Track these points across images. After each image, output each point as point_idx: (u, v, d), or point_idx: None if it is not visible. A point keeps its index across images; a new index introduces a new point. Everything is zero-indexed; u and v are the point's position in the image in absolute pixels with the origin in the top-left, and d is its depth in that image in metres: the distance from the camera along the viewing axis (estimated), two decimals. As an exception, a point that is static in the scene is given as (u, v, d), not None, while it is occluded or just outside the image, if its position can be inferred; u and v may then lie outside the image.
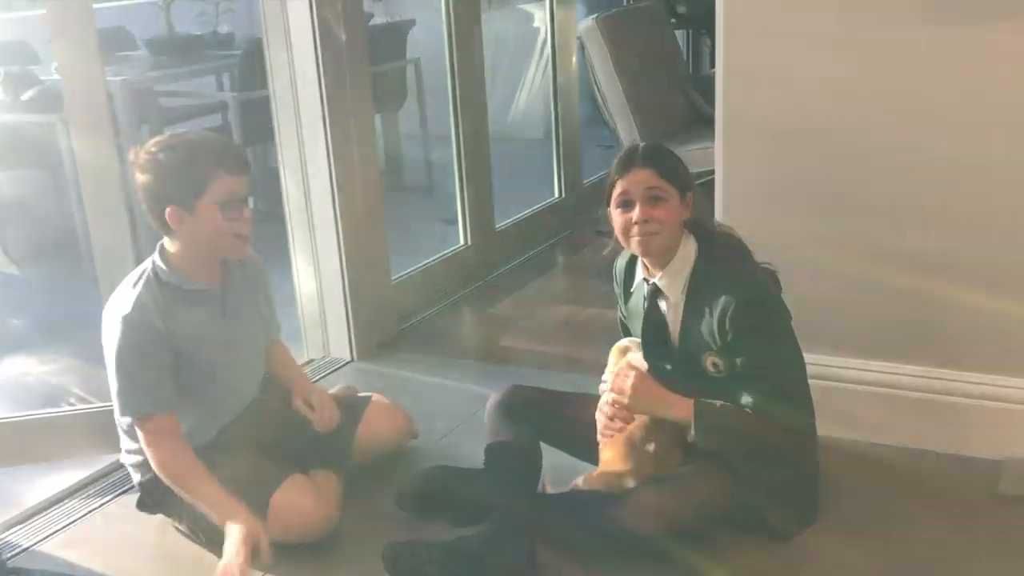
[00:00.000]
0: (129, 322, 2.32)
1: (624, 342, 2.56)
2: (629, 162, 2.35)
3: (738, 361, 2.32)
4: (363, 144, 3.59)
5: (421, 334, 3.89)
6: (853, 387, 2.81)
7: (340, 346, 3.65)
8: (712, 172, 4.58)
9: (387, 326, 3.82)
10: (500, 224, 4.65)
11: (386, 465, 2.81)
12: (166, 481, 2.36)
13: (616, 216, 2.38)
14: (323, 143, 3.44)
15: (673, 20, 5.73)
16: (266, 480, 2.39)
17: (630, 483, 2.42)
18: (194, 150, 2.33)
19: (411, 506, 2.61)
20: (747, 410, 2.32)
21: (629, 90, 4.69)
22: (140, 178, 2.33)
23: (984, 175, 2.58)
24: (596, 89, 4.80)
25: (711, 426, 2.32)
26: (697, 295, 2.36)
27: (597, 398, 2.61)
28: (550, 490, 2.58)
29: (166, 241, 2.41)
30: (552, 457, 2.61)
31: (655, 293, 2.44)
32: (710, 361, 2.37)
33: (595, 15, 4.77)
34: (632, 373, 2.39)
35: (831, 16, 2.63)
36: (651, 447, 2.43)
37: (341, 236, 3.52)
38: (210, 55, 5.91)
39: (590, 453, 2.59)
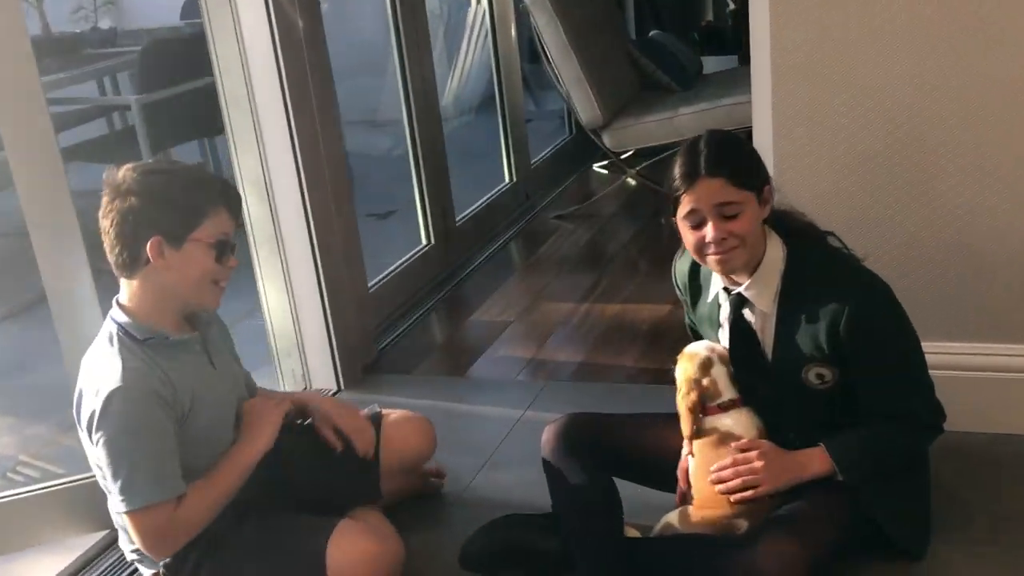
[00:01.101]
0: (126, 398, 1.95)
1: (700, 349, 2.20)
2: (694, 171, 1.97)
3: (864, 370, 2.02)
4: (330, 142, 3.16)
5: (404, 351, 3.49)
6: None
7: (324, 375, 3.23)
8: (682, 143, 4.36)
9: (369, 346, 3.40)
10: (460, 217, 4.27)
11: (414, 511, 2.49)
12: (201, 527, 2.04)
13: (685, 231, 2.04)
14: (288, 147, 3.00)
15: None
16: (314, 535, 2.09)
17: (742, 525, 2.09)
18: (195, 178, 2.04)
19: (477, 566, 2.24)
20: (881, 428, 2.06)
21: (584, 62, 4.36)
22: (122, 202, 1.97)
23: None
24: (547, 63, 4.45)
25: (854, 466, 2.06)
26: (792, 301, 2.05)
27: (661, 417, 2.30)
28: (635, 534, 2.23)
29: (122, 294, 2.06)
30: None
31: (740, 303, 2.11)
32: (814, 373, 2.06)
33: (539, -17, 4.40)
34: (757, 454, 2.08)
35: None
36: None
37: (317, 250, 3.09)
38: (94, 55, 5.35)
39: (662, 481, 2.29)
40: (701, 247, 2.01)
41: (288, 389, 3.23)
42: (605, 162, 5.19)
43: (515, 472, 2.65)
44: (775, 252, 2.05)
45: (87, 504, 2.46)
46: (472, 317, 3.68)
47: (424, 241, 4.05)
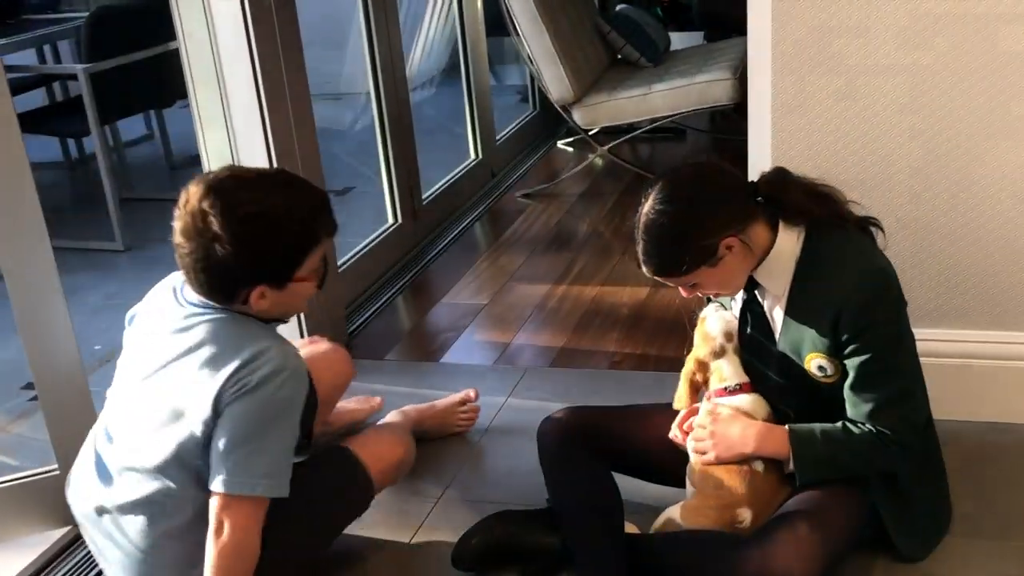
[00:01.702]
0: (296, 383, 1.85)
1: (716, 333, 2.11)
2: (639, 259, 1.94)
3: (852, 366, 1.93)
4: (301, 117, 3.01)
5: (374, 336, 3.35)
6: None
7: (293, 361, 3.08)
8: (655, 120, 4.27)
9: (339, 330, 3.26)
10: (426, 195, 4.13)
11: (399, 508, 2.40)
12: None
13: None
14: (259, 123, 2.84)
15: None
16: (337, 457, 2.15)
17: (746, 515, 2.02)
18: (293, 217, 1.83)
19: (473, 563, 2.13)
20: (853, 432, 1.95)
21: (555, 36, 4.23)
22: (207, 248, 1.79)
23: None
24: (516, 36, 4.32)
25: (809, 465, 1.98)
26: (805, 289, 1.96)
27: (661, 408, 2.22)
28: (633, 530, 2.14)
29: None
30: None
31: (753, 285, 2.02)
32: (815, 364, 1.98)
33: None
34: (712, 420, 2.05)
35: None
36: (759, 465, 2.04)
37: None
38: (34, 21, 5.11)
39: (663, 476, 2.22)
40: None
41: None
42: (571, 139, 5.08)
43: (502, 463, 2.56)
44: (787, 244, 1.94)
45: (49, 498, 2.31)
46: (444, 300, 3.55)
47: (391, 220, 3.91)
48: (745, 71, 4.17)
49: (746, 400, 2.07)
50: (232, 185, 1.81)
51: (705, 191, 1.91)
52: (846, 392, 1.96)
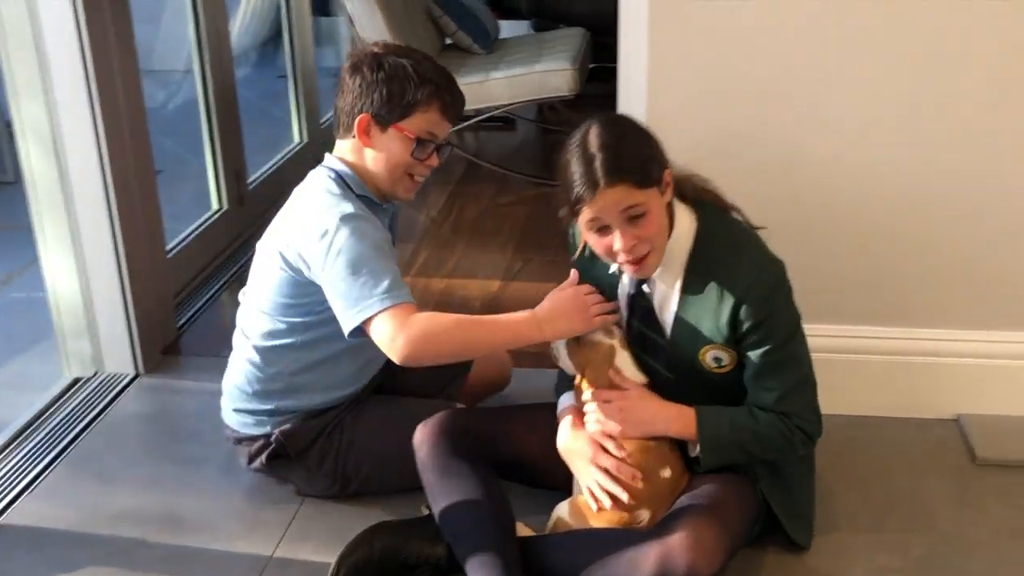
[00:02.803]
0: (362, 219, 2.03)
1: (601, 337, 2.01)
2: (592, 181, 1.77)
3: (754, 356, 1.90)
4: (130, 90, 2.74)
5: (205, 331, 3.12)
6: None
7: (119, 358, 2.81)
8: (493, 108, 4.16)
9: (168, 324, 3.00)
10: (251, 180, 3.89)
11: (269, 516, 2.23)
12: (462, 350, 2.07)
13: (589, 236, 1.87)
14: (84, 95, 2.56)
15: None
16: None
17: (644, 514, 1.94)
18: (421, 71, 2.09)
19: (350, 582, 1.96)
20: (760, 418, 1.93)
21: (388, 19, 4.07)
22: (354, 73, 2.10)
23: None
24: (349, 20, 4.12)
25: (714, 450, 1.93)
26: (697, 281, 1.91)
27: (544, 409, 2.12)
28: (528, 532, 2.03)
29: (341, 149, 2.17)
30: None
31: (641, 279, 1.94)
32: (711, 356, 1.93)
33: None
34: (622, 395, 1.97)
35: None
36: (667, 473, 1.97)
37: (116, 216, 2.67)
38: None
39: (550, 478, 2.12)
40: (610, 254, 1.86)
41: (76, 375, 2.80)
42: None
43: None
44: (684, 227, 1.90)
45: None
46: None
47: (216, 205, 3.65)
48: (584, 62, 4.20)
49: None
50: (396, 47, 2.16)
51: (639, 124, 1.88)
52: (748, 382, 1.93)
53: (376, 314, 1.95)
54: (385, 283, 1.97)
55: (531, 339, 1.97)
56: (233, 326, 2.31)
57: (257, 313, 2.20)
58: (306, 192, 2.13)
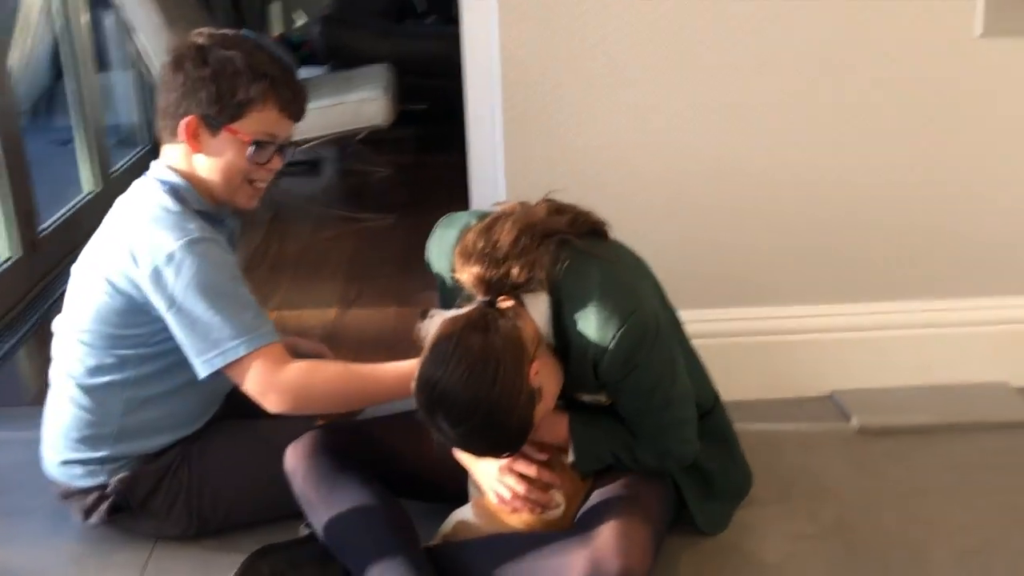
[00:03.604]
0: (205, 241, 1.79)
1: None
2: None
3: (623, 403, 1.77)
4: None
5: (9, 380, 2.79)
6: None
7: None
8: (305, 141, 3.96)
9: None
10: (44, 227, 3.54)
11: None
12: (340, 406, 1.90)
13: None
14: None
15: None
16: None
17: (560, 498, 1.80)
18: (254, 63, 1.82)
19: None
20: (633, 446, 1.80)
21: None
22: (175, 68, 1.83)
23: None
24: (139, 57, 3.85)
25: (588, 459, 1.80)
26: (559, 335, 1.71)
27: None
28: (433, 542, 1.84)
29: (171, 156, 1.89)
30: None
31: None
32: (587, 398, 1.81)
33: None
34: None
35: None
36: (569, 458, 1.83)
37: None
38: None
39: (439, 489, 1.95)
40: None
41: None
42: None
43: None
44: (539, 315, 1.68)
45: None
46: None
47: (7, 253, 3.28)
48: (395, 93, 4.08)
49: None
50: (223, 36, 1.85)
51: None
52: (621, 416, 1.79)
53: (240, 358, 1.76)
54: (246, 319, 1.78)
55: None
56: (40, 372, 2.04)
57: (79, 346, 1.90)
58: (136, 208, 1.85)
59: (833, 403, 2.47)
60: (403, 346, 2.79)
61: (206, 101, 1.80)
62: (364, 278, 3.43)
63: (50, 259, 3.48)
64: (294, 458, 1.84)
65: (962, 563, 1.89)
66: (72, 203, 3.88)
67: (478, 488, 1.86)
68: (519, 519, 1.79)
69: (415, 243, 3.69)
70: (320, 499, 1.79)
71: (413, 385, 1.62)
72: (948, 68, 2.30)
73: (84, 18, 4.10)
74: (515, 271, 1.63)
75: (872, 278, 2.46)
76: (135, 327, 1.85)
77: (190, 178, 1.87)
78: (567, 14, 2.23)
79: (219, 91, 1.80)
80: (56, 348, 1.98)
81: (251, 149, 1.84)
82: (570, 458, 1.80)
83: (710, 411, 1.97)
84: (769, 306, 2.47)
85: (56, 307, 3.18)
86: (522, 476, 1.76)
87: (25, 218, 3.34)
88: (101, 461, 1.94)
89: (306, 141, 3.87)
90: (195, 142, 1.84)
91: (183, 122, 1.82)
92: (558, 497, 1.79)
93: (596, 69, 2.28)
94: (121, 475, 1.95)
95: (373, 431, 1.94)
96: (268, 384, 1.79)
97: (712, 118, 2.32)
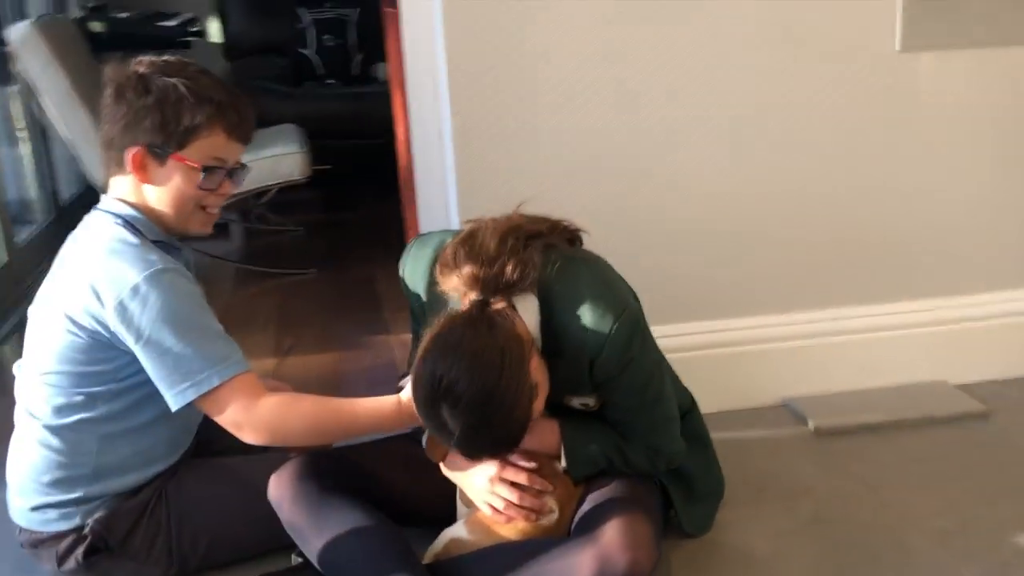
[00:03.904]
0: (167, 271, 1.76)
1: None
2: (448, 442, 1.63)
3: (614, 401, 1.81)
4: None
5: None
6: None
7: None
8: (271, 188, 3.90)
9: None
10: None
11: None
12: (316, 439, 1.89)
13: None
14: None
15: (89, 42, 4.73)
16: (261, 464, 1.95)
17: (554, 504, 1.80)
18: (198, 88, 1.80)
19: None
20: (627, 444, 1.84)
21: (94, 112, 3.74)
22: (116, 98, 1.81)
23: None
24: (45, 115, 3.76)
25: (580, 465, 1.82)
26: (551, 344, 1.74)
27: (398, 441, 1.95)
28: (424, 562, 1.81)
29: (121, 189, 1.86)
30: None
31: None
32: (576, 402, 1.83)
33: (32, 19, 3.74)
34: None
35: None
36: (560, 465, 1.84)
37: None
38: None
39: (424, 513, 1.93)
40: None
41: None
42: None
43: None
44: (529, 316, 1.70)
45: None
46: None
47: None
48: (309, 149, 4.07)
49: None
50: (164, 63, 1.84)
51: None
52: (611, 418, 1.82)
53: (213, 389, 1.74)
54: (217, 348, 1.77)
55: (393, 429, 1.87)
56: None
57: (45, 387, 1.85)
58: (93, 243, 1.81)
59: (787, 409, 2.54)
60: (351, 388, 2.82)
61: (151, 130, 1.78)
62: (296, 327, 3.39)
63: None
64: (278, 487, 1.81)
65: (943, 543, 1.96)
66: (-21, 275, 3.74)
67: (467, 503, 1.85)
68: (514, 529, 1.78)
69: (342, 291, 3.76)
70: (311, 525, 1.76)
71: (409, 386, 1.63)
72: (870, 81, 2.44)
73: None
74: (509, 269, 1.65)
75: (812, 287, 2.55)
76: (102, 363, 1.81)
77: (142, 209, 1.84)
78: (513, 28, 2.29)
79: (164, 119, 1.77)
80: (19, 391, 1.91)
81: (201, 176, 1.81)
82: (562, 463, 1.80)
83: (687, 412, 2.01)
84: (717, 319, 2.53)
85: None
86: (514, 484, 1.75)
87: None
88: (76, 502, 1.88)
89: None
90: (143, 173, 1.81)
91: (129, 153, 1.79)
92: (551, 503, 1.79)
93: (540, 85, 2.32)
94: (97, 515, 1.88)
95: (353, 456, 1.92)
96: (244, 417, 1.77)
97: (655, 137, 2.39)
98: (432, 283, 1.77)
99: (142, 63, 1.83)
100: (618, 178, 2.40)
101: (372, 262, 4.08)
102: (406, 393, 1.79)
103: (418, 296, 1.88)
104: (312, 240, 4.62)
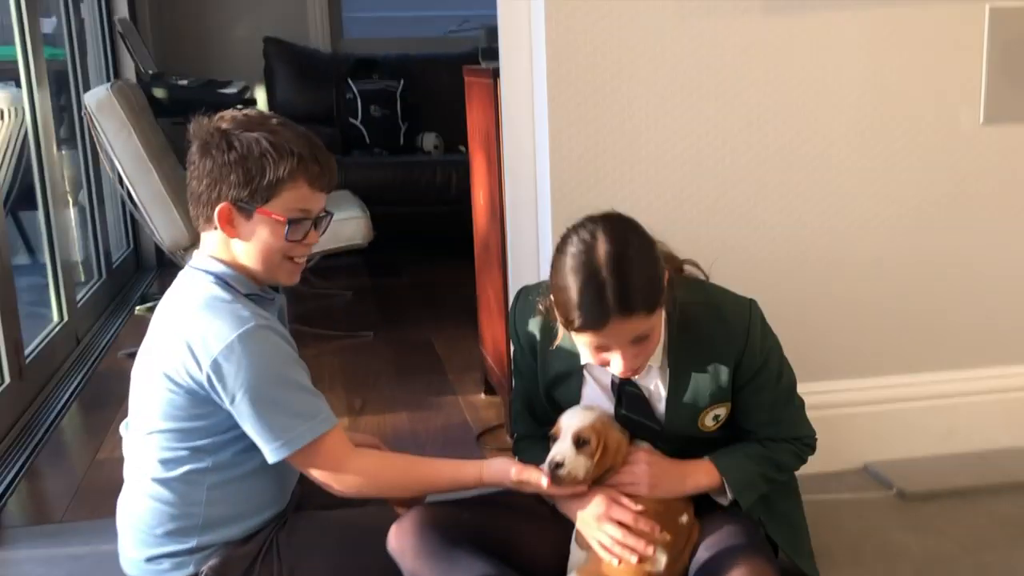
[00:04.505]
0: (260, 328, 1.79)
1: (588, 413, 1.88)
2: (600, 311, 1.68)
3: (758, 398, 1.89)
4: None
5: (27, 500, 2.67)
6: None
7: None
8: (334, 252, 3.95)
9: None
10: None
11: None
12: (398, 496, 1.97)
13: (583, 350, 1.81)
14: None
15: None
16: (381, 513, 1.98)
17: (662, 557, 1.82)
18: (279, 141, 1.83)
19: None
20: (773, 447, 1.93)
21: (164, 175, 3.82)
22: (202, 156, 1.85)
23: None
24: (120, 178, 3.84)
25: (745, 486, 1.89)
26: (683, 352, 1.85)
27: (523, 495, 1.95)
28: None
29: (211, 245, 1.90)
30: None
31: None
32: (711, 416, 1.89)
33: (109, 84, 3.83)
34: (642, 458, 1.86)
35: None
36: (684, 519, 1.88)
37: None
38: None
39: (541, 564, 1.94)
40: (602, 363, 1.80)
41: None
42: (148, 304, 4.58)
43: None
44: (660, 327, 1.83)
45: None
46: (99, 456, 2.91)
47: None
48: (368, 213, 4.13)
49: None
50: (245, 118, 1.87)
51: (639, 228, 1.78)
52: (754, 422, 1.90)
53: (304, 447, 1.80)
54: (307, 405, 1.81)
55: (468, 487, 1.92)
56: (51, 493, 2.16)
57: (151, 445, 1.88)
58: (186, 302, 1.85)
59: (869, 474, 2.56)
60: (429, 447, 2.86)
61: (236, 185, 1.81)
62: (363, 388, 3.43)
63: (35, 385, 3.39)
64: (401, 537, 1.82)
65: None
66: (46, 332, 3.80)
67: (582, 546, 1.87)
68: (629, 574, 1.80)
69: (402, 354, 3.80)
70: (437, 572, 1.78)
71: (493, 462, 1.84)
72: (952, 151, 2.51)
73: (55, 152, 4.08)
74: None
75: (892, 352, 2.59)
76: (203, 419, 1.84)
77: (232, 264, 1.88)
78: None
79: (248, 175, 1.81)
80: (127, 449, 1.95)
81: (287, 228, 1.84)
82: (729, 497, 1.86)
83: None
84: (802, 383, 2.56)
85: (59, 429, 3.14)
86: (621, 524, 1.79)
87: (13, 346, 3.25)
88: (190, 551, 1.89)
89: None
90: (231, 228, 1.84)
91: (216, 210, 1.83)
92: (661, 561, 1.81)
93: (638, 124, 2.39)
94: (211, 562, 1.90)
95: (472, 506, 1.94)
96: (331, 475, 1.85)
97: (745, 193, 2.46)
98: (547, 322, 1.90)
99: (224, 118, 1.86)
100: (711, 232, 2.45)
101: (427, 326, 4.14)
102: (490, 467, 1.87)
103: (532, 341, 1.95)
104: (362, 304, 4.67)
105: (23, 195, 4.67)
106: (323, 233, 1.96)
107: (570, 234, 1.74)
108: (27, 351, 3.47)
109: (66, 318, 4.00)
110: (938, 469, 2.54)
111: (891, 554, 2.19)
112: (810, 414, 2.51)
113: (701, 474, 1.88)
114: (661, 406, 1.88)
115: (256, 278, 1.89)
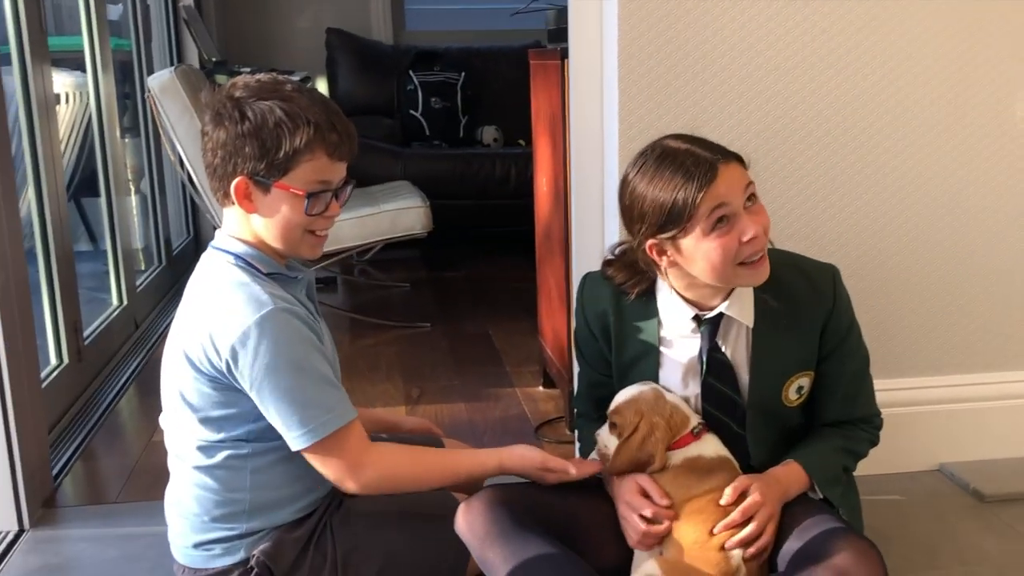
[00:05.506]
0: (279, 312, 1.71)
1: (644, 388, 1.82)
2: (707, 161, 1.65)
3: (841, 368, 1.83)
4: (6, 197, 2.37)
5: (78, 480, 2.65)
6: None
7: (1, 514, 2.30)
8: (342, 251, 3.94)
9: (44, 473, 2.51)
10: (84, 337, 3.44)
11: None
12: (413, 487, 1.86)
13: (710, 247, 1.68)
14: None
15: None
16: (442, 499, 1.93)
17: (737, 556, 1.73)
18: (295, 110, 1.70)
19: None
20: (847, 434, 1.86)
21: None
22: (215, 128, 1.74)
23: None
24: (180, 163, 3.83)
25: (830, 482, 1.82)
26: (769, 313, 1.78)
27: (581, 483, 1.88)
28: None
29: (231, 224, 1.81)
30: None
31: (714, 329, 1.80)
32: (795, 386, 1.82)
33: (172, 67, 3.83)
34: (751, 488, 1.75)
35: None
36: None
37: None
38: None
39: (603, 551, 1.85)
40: (737, 254, 1.68)
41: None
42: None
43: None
44: (745, 299, 1.79)
45: None
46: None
47: (55, 360, 3.18)
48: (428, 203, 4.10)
49: (713, 440, 1.81)
50: (258, 85, 1.74)
51: None
52: (838, 395, 1.84)
53: (326, 437, 1.72)
54: (325, 397, 1.73)
55: (489, 475, 1.87)
56: (106, 474, 2.16)
57: (188, 434, 1.82)
58: (207, 287, 1.78)
59: (944, 475, 2.46)
60: (489, 438, 2.81)
61: (252, 158, 1.71)
62: (420, 378, 3.39)
63: (92, 367, 3.39)
64: (469, 516, 1.76)
65: None
66: (104, 316, 3.80)
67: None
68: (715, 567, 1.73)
69: (460, 345, 3.75)
70: (505, 555, 1.70)
71: (515, 448, 1.82)
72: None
73: (118, 139, 4.09)
74: None
75: (968, 350, 2.49)
76: (233, 406, 1.77)
77: (254, 242, 1.79)
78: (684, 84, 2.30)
79: (263, 147, 1.69)
80: (168, 440, 1.90)
81: (306, 202, 1.74)
82: (819, 495, 1.79)
83: None
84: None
85: (117, 410, 3.14)
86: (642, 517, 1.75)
87: (72, 328, 3.25)
88: (240, 536, 1.84)
89: (340, 252, 3.87)
90: (249, 203, 1.74)
91: (232, 185, 1.73)
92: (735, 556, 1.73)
93: (710, 105, 2.32)
94: (262, 547, 1.84)
95: (540, 487, 1.86)
96: (345, 472, 1.77)
97: (820, 180, 2.37)
98: (621, 314, 1.85)
99: (236, 85, 1.75)
100: (786, 218, 2.37)
101: (484, 319, 4.09)
102: (511, 454, 1.84)
103: (604, 324, 1.89)
104: (420, 296, 4.64)
105: (86, 182, 4.71)
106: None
107: (627, 170, 1.76)
108: (85, 333, 3.48)
109: (125, 302, 4.01)
110: (1017, 471, 2.43)
111: (970, 558, 2.09)
112: (885, 411, 2.46)
113: (793, 481, 1.79)
114: (746, 377, 1.81)
115: (278, 254, 1.81)
